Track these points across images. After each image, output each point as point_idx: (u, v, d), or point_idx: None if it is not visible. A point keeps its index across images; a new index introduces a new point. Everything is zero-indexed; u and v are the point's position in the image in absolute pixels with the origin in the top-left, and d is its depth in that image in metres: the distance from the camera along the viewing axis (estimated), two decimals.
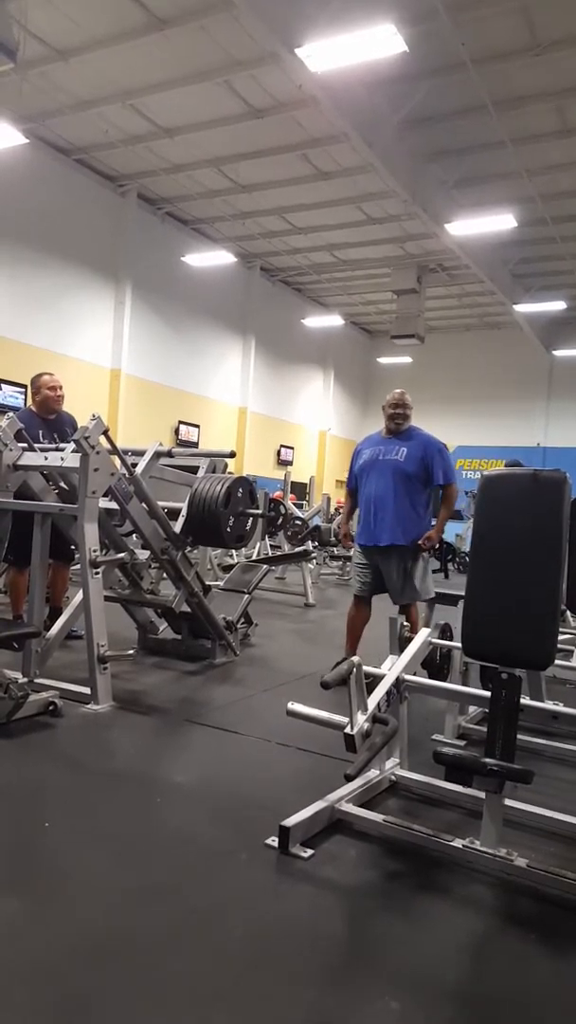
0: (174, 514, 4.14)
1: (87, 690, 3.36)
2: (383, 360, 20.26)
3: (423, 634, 2.72)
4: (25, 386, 10.47)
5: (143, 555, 4.15)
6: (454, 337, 19.71)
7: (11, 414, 4.00)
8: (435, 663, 3.06)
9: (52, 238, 11.40)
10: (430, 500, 4.15)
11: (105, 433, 3.52)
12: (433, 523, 4.10)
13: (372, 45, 6.78)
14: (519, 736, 2.10)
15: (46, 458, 3.77)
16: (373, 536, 4.05)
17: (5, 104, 9.35)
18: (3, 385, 10.70)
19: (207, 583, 4.61)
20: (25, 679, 3.31)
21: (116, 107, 10.02)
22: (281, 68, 8.33)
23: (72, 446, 3.63)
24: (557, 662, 3.63)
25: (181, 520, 4.10)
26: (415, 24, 7.39)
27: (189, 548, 4.23)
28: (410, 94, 8.90)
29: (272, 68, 8.61)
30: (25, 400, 10.12)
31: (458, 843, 2.08)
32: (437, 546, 4.13)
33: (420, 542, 3.97)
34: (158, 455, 4.18)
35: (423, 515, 4.08)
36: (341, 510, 9.64)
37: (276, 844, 2.12)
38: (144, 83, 9.44)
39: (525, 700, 2.46)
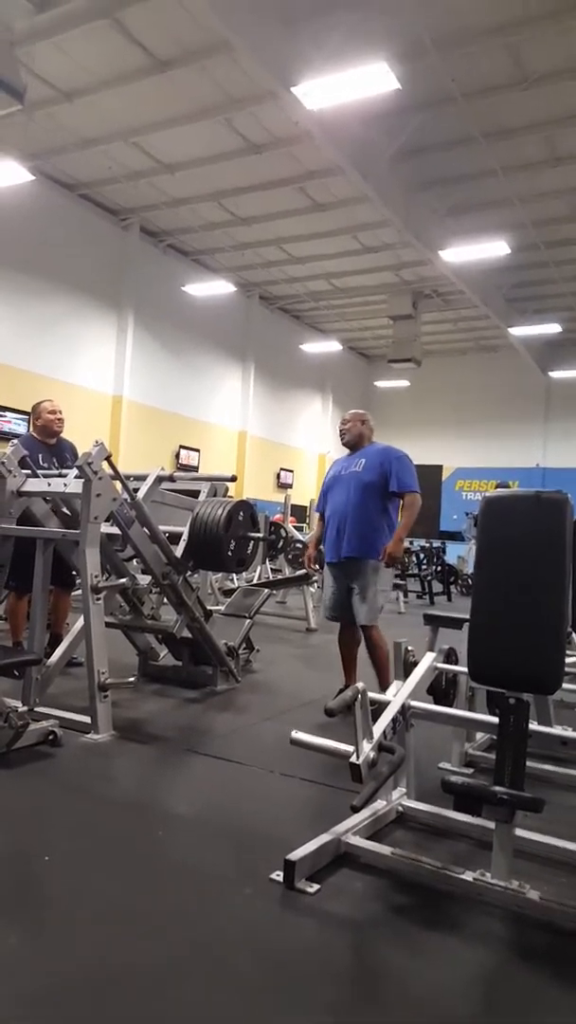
0: (175, 538, 4.13)
1: (87, 719, 3.32)
2: (381, 384, 20.41)
3: (428, 659, 2.69)
4: (28, 413, 10.52)
5: (144, 580, 4.13)
6: (451, 360, 19.88)
7: (15, 441, 4.02)
8: (440, 688, 3.02)
9: (57, 270, 11.58)
10: (394, 510, 4.04)
11: (108, 458, 3.53)
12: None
13: (366, 83, 6.96)
14: (528, 763, 2.06)
15: (49, 484, 3.77)
16: (338, 550, 3.99)
17: (12, 143, 9.56)
18: (7, 412, 10.76)
19: (208, 608, 4.58)
20: (25, 708, 3.27)
21: (119, 144, 10.25)
22: (278, 105, 8.53)
23: (75, 472, 3.64)
24: (565, 686, 3.59)
25: (182, 544, 4.09)
26: (407, 61, 7.58)
27: (190, 573, 4.22)
28: (403, 127, 9.10)
29: (269, 106, 8.82)
30: (28, 427, 10.16)
31: (468, 876, 2.03)
32: (401, 561, 3.98)
33: (380, 557, 3.84)
34: (160, 480, 4.18)
35: (386, 526, 3.97)
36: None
37: (281, 878, 2.07)
38: (146, 121, 9.66)
39: (533, 725, 2.42)
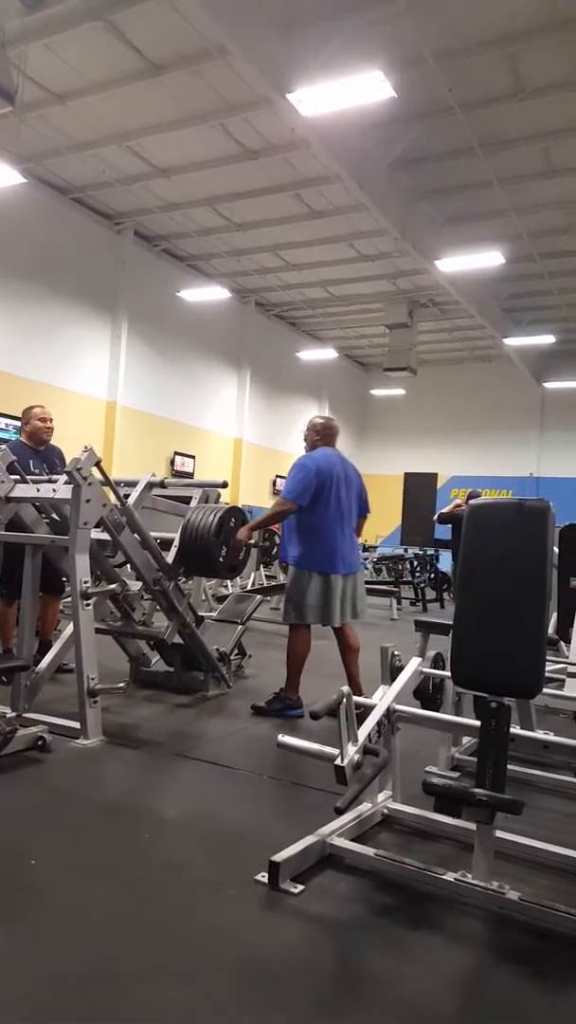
0: (167, 544, 4.15)
1: (77, 724, 3.33)
2: (377, 392, 20.49)
3: (413, 663, 2.71)
4: (20, 418, 10.57)
5: (135, 586, 4.15)
6: (446, 369, 19.97)
7: (3, 447, 4.04)
8: (427, 693, 3.04)
9: (50, 274, 11.59)
10: (308, 518, 4.08)
11: (97, 464, 3.55)
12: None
13: (361, 91, 7.01)
14: (510, 766, 2.09)
15: (38, 490, 3.79)
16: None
17: (4, 145, 9.59)
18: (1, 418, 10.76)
19: (200, 614, 4.60)
20: (14, 714, 3.28)
21: (113, 148, 10.28)
22: (274, 112, 8.60)
23: (64, 477, 3.66)
24: (548, 691, 3.62)
25: (174, 550, 4.11)
26: (403, 70, 7.65)
27: (182, 579, 4.24)
28: (400, 136, 9.18)
29: (265, 112, 8.88)
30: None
31: (450, 876, 2.06)
32: (245, 544, 4.20)
33: (295, 563, 4.12)
34: (150, 486, 4.21)
35: (293, 533, 4.16)
36: None
37: (266, 879, 2.09)
38: (141, 125, 9.70)
39: (515, 729, 2.45)
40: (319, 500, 4.04)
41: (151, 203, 12.00)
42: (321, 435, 4.30)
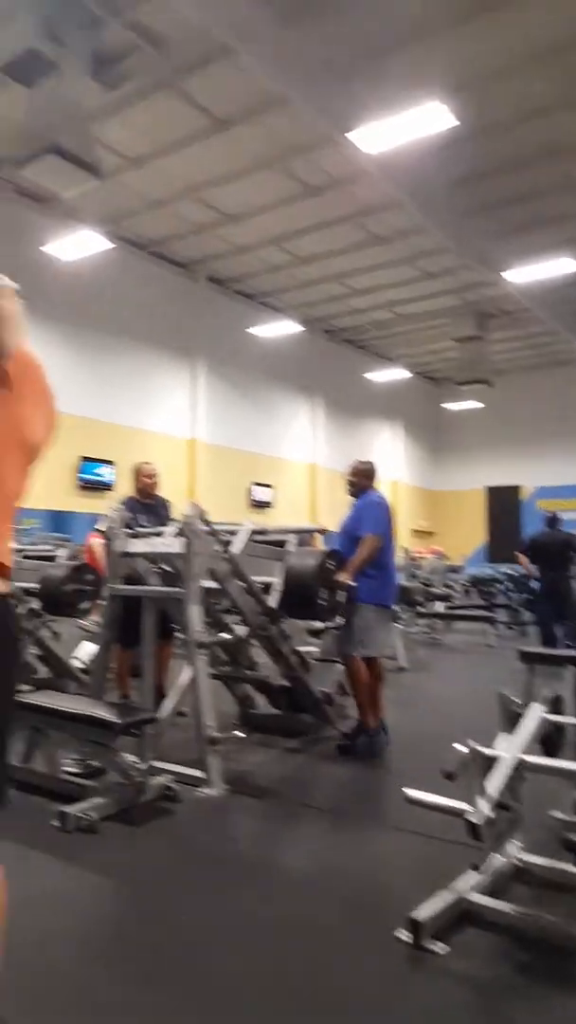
0: (264, 589, 4.27)
1: (198, 772, 3.45)
2: (451, 406, 20.20)
3: (536, 712, 2.69)
4: (111, 462, 11.34)
5: (241, 631, 4.28)
6: (523, 377, 19.50)
7: (119, 504, 4.33)
8: (551, 739, 2.99)
9: (132, 325, 12.25)
10: (378, 555, 4.29)
11: (202, 516, 3.72)
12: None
13: (422, 123, 7.06)
14: None
15: (151, 545, 4.00)
16: None
17: (89, 211, 10.22)
18: (97, 463, 11.44)
19: (301, 654, 4.67)
20: (144, 764, 3.44)
21: (185, 202, 10.78)
22: (335, 149, 8.79)
23: (172, 529, 3.86)
24: None
25: (275, 594, 4.22)
26: (460, 92, 7.67)
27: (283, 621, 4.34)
28: (459, 155, 9.17)
29: (327, 150, 9.09)
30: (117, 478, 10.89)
31: None
32: (342, 587, 4.20)
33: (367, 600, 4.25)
34: (252, 533, 4.34)
35: (370, 570, 4.27)
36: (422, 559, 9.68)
37: (406, 937, 2.12)
38: (209, 177, 10.12)
39: None
40: (386, 538, 4.36)
41: (221, 249, 12.46)
42: (371, 478, 4.65)
